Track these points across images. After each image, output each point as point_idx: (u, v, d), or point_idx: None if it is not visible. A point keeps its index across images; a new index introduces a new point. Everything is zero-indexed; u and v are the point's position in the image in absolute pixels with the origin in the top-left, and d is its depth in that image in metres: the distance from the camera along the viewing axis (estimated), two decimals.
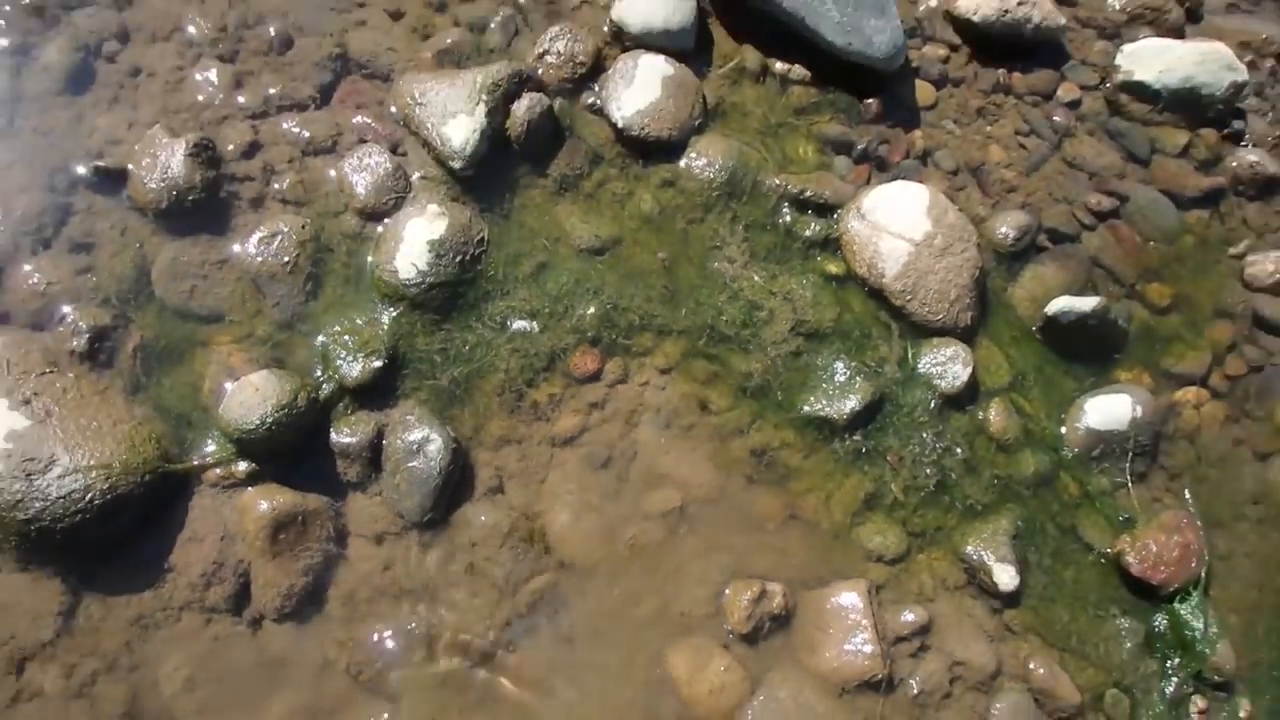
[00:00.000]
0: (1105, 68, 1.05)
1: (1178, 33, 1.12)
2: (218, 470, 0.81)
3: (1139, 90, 1.04)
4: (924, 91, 1.04)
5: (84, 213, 0.82)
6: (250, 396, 0.77)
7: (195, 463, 0.82)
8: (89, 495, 0.77)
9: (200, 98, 0.88)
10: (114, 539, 0.80)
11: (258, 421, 0.76)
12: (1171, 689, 0.88)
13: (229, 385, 0.80)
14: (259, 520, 0.80)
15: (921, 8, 1.02)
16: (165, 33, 0.88)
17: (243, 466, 0.81)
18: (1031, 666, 0.82)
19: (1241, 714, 0.88)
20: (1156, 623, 0.88)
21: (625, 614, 0.81)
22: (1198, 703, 0.89)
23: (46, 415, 0.79)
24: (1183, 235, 1.03)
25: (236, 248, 0.83)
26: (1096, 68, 1.06)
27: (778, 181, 0.94)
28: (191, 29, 0.90)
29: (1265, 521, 0.92)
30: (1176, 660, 0.88)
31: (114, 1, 0.90)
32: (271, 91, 0.90)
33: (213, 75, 0.89)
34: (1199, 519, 0.91)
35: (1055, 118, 1.04)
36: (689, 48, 0.95)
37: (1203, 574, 0.87)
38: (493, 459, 0.82)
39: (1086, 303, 0.91)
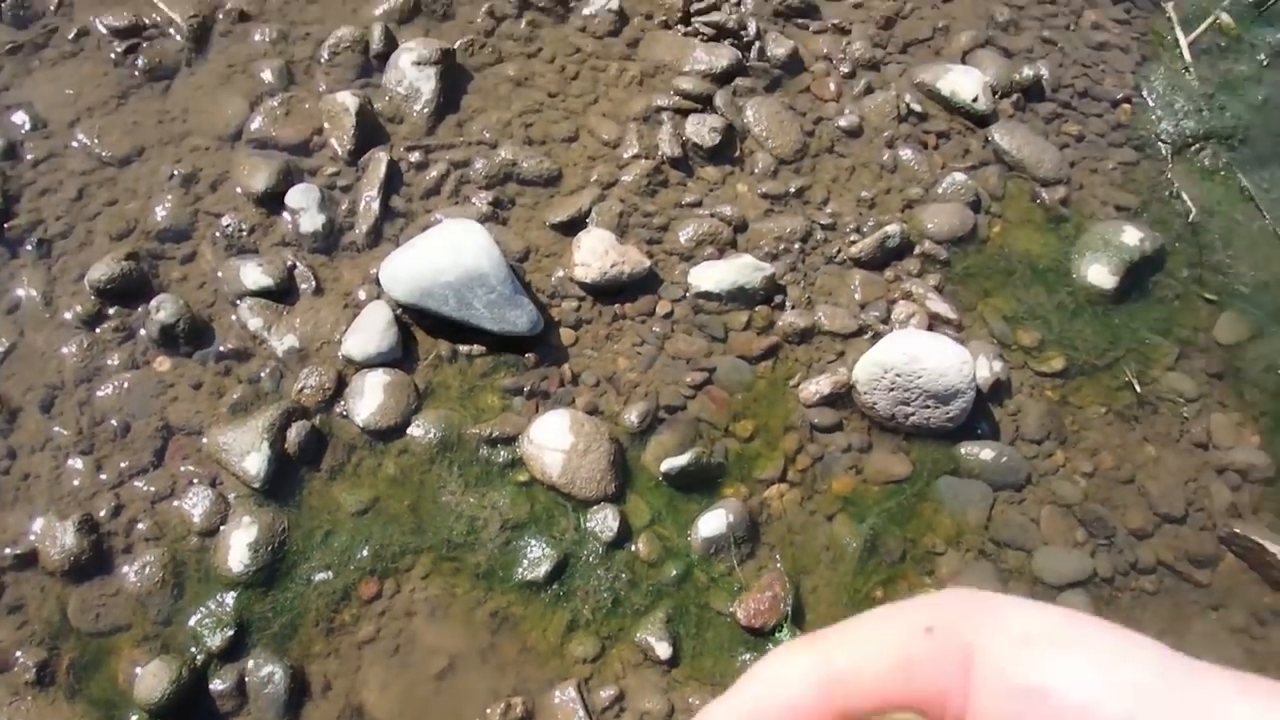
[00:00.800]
0: (685, 284, 1.57)
1: (732, 244, 1.65)
2: None
3: (708, 295, 1.55)
4: (566, 335, 1.52)
5: (11, 585, 1.24)
6: (151, 679, 1.18)
7: None
8: None
9: (75, 483, 1.31)
10: None
11: (160, 695, 1.17)
12: None
13: (137, 672, 1.21)
14: None
15: (554, 279, 1.53)
16: (40, 445, 1.32)
17: None
18: (693, 701, 1.28)
19: None
20: (768, 649, 1.36)
21: None
22: None
23: None
24: (756, 382, 1.54)
25: (122, 580, 1.25)
26: (680, 284, 1.58)
27: (475, 430, 1.41)
28: (58, 433, 1.34)
29: (835, 560, 1.41)
30: None
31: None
32: (123, 465, 1.33)
33: (79, 465, 1.33)
34: (787, 574, 1.39)
35: (656, 328, 1.54)
36: (399, 357, 1.43)
37: (788, 611, 1.35)
38: (321, 669, 1.25)
39: (684, 457, 1.40)
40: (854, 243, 1.61)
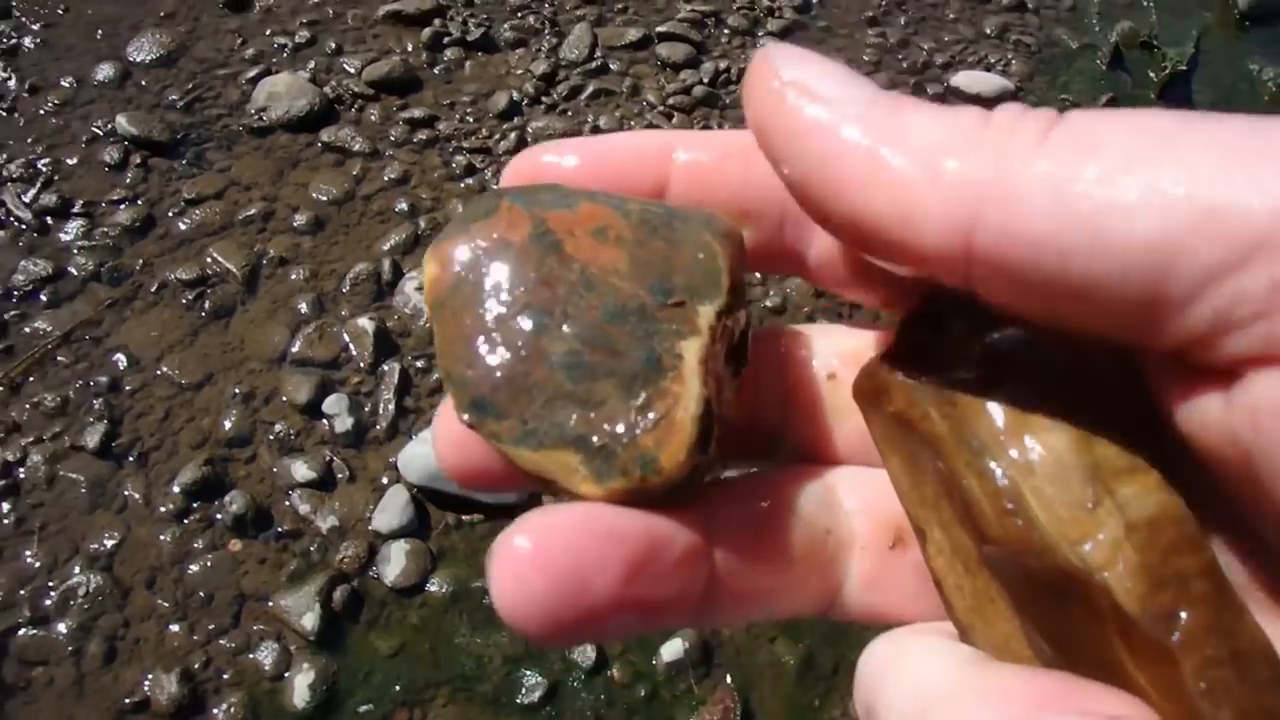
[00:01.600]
0: None
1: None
2: None
3: None
4: (548, 500, 1.95)
5: None
6: None
7: None
8: None
9: (175, 644, 1.72)
10: None
11: None
12: None
13: None
14: None
15: None
16: (147, 615, 1.74)
17: None
18: None
19: None
20: None
21: None
22: None
23: None
24: None
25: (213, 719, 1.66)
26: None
27: (479, 583, 1.82)
28: (160, 604, 1.75)
29: (777, 676, 1.81)
30: None
31: None
32: (210, 627, 1.73)
33: (176, 629, 1.74)
34: (736, 689, 1.77)
35: None
36: (417, 528, 1.85)
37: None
38: None
39: None
40: None
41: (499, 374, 0.26)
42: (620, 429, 0.26)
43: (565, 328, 0.27)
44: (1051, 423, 0.23)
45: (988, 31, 2.71)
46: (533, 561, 0.23)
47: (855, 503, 0.29)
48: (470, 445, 0.28)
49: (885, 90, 0.23)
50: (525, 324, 0.27)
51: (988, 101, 2.35)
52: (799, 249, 0.30)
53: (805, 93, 0.22)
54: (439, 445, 0.29)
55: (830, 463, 0.30)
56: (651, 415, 0.26)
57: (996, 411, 0.24)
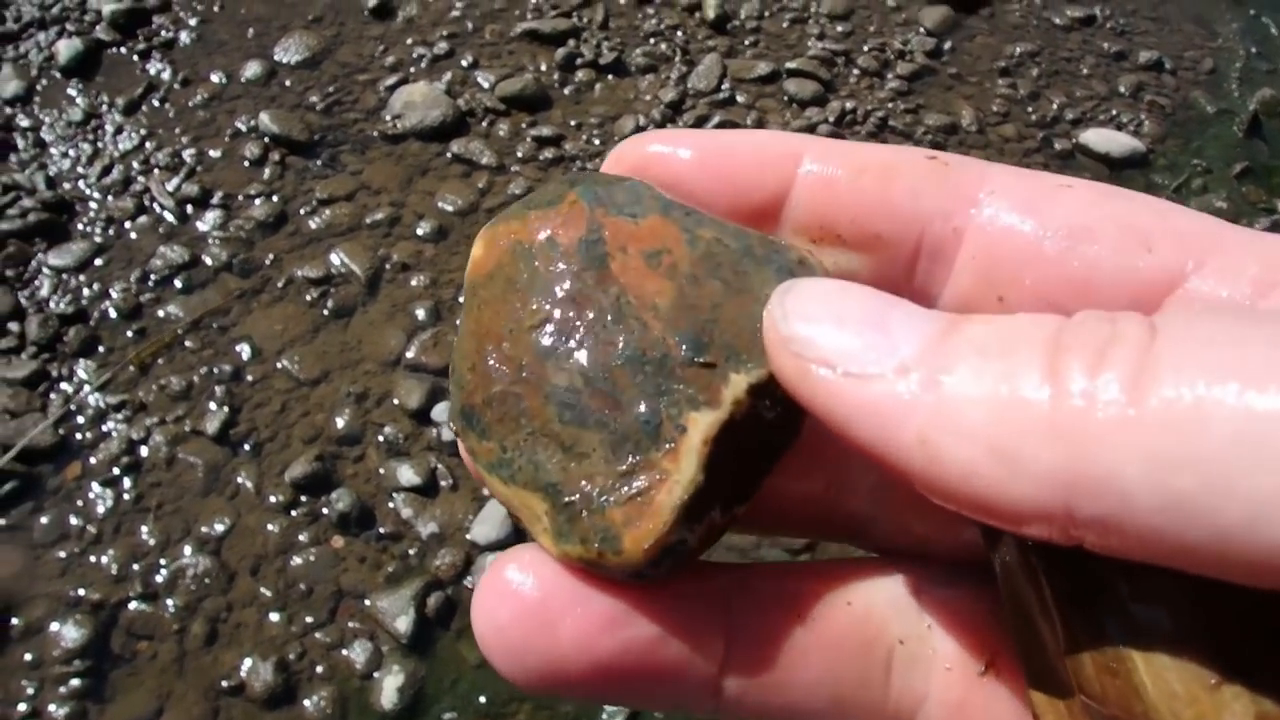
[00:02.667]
0: None
1: None
2: None
3: None
4: None
5: (224, 709, 1.72)
6: None
7: None
8: None
9: (273, 632, 1.80)
10: None
11: None
12: None
13: None
14: None
15: None
16: (250, 601, 1.82)
17: None
18: None
19: None
20: None
21: None
22: None
23: None
24: None
25: (303, 710, 1.72)
26: None
27: None
28: (262, 592, 1.83)
29: None
30: None
31: None
32: (308, 620, 1.81)
33: (276, 618, 1.82)
34: None
35: None
36: (513, 542, 1.90)
37: None
38: None
39: None
40: None
41: (495, 388, 0.25)
42: (594, 491, 0.23)
43: (576, 358, 0.24)
44: (1174, 582, 0.19)
45: (1121, 90, 2.69)
46: (514, 601, 0.23)
47: (944, 614, 0.25)
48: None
49: (908, 317, 0.21)
50: (540, 341, 0.25)
51: (1116, 161, 2.34)
52: (930, 291, 0.25)
53: (821, 358, 0.20)
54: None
55: (924, 560, 0.26)
56: (630, 487, 0.23)
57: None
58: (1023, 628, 0.22)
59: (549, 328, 0.25)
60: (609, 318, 0.24)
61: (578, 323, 0.24)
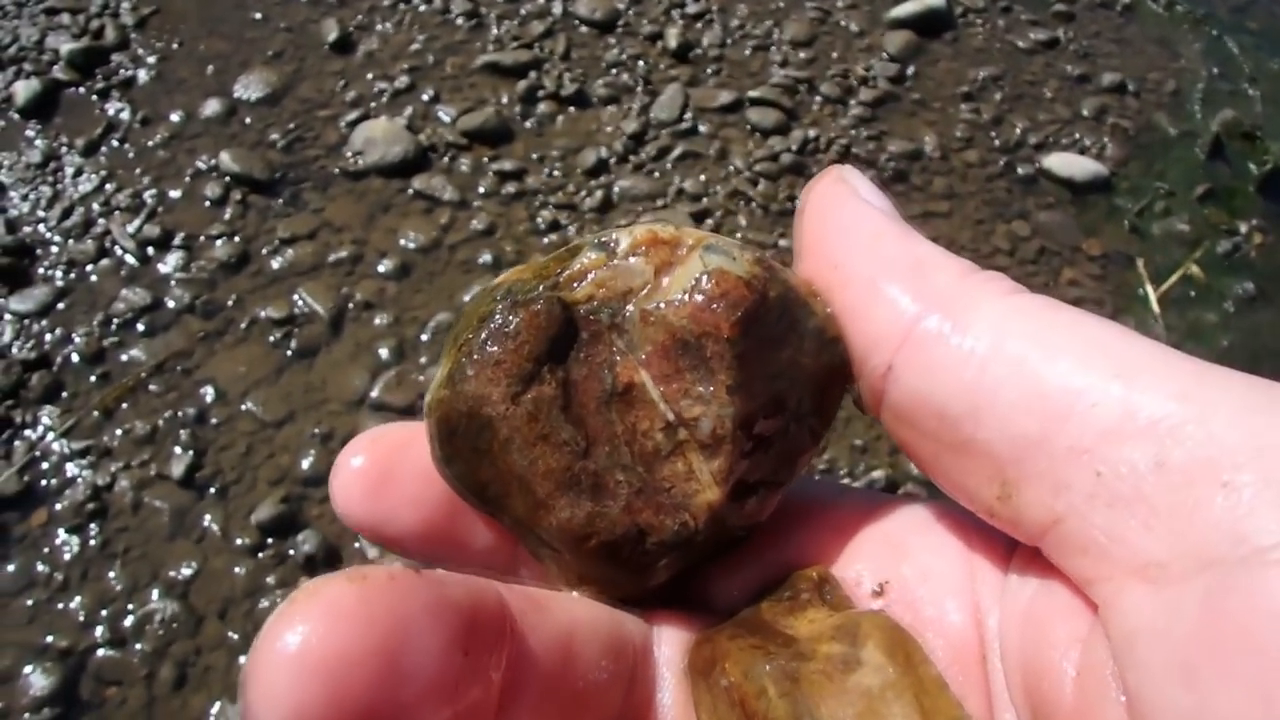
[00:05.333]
0: None
1: None
2: None
3: None
4: None
5: None
6: None
7: None
8: None
9: (242, 675, 1.90)
10: None
11: None
12: None
13: None
14: None
15: None
16: (218, 644, 1.91)
17: None
18: None
19: None
20: None
21: None
22: None
23: None
24: None
25: None
26: None
27: None
28: (230, 635, 1.93)
29: None
30: None
31: None
32: None
33: (244, 661, 1.92)
34: None
35: None
36: None
37: None
38: None
39: None
40: None
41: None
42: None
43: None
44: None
45: (1085, 113, 2.83)
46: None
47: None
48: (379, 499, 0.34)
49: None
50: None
51: (1079, 186, 2.47)
52: None
53: None
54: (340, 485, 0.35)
55: None
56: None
57: (843, 697, 0.25)
58: None
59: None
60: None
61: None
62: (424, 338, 2.19)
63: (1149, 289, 2.71)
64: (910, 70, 2.77)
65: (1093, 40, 2.99)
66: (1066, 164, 2.65)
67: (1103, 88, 2.90)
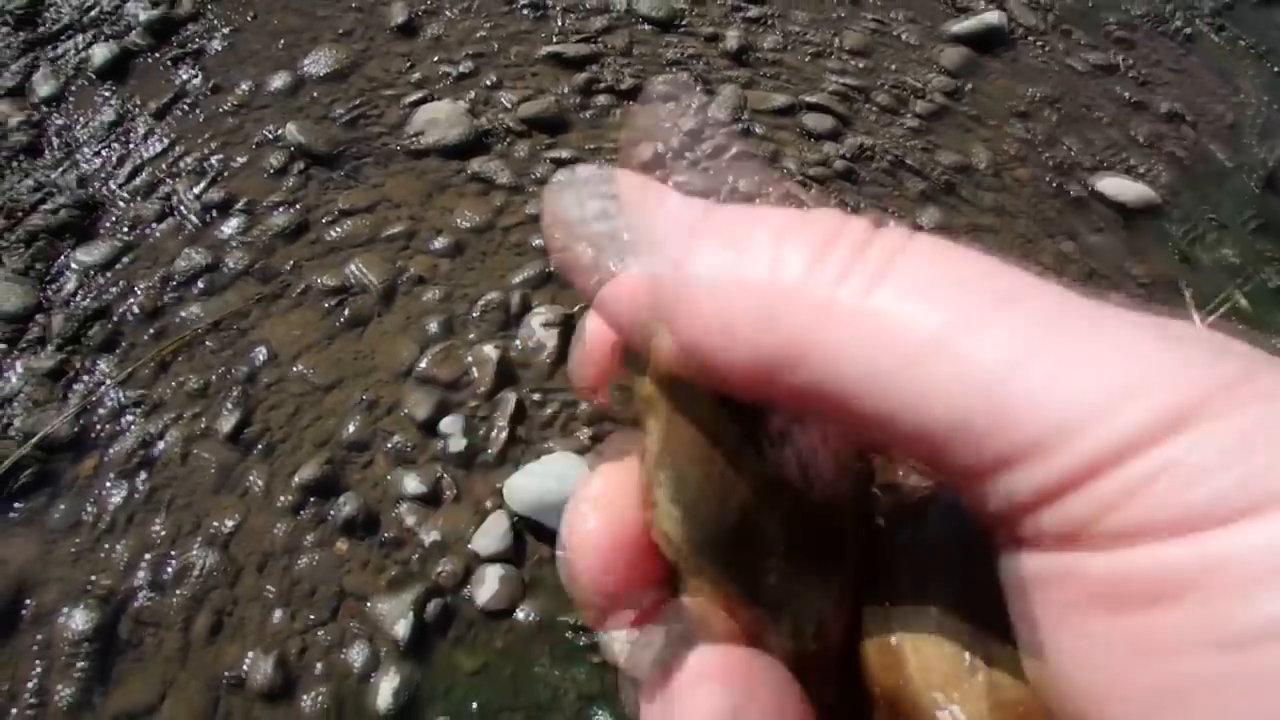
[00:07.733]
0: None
1: None
2: None
3: None
4: None
5: (224, 699, 1.87)
6: None
7: None
8: None
9: (276, 629, 1.96)
10: None
11: None
12: None
13: None
14: None
15: None
16: (255, 596, 1.97)
17: None
18: None
19: None
20: None
21: None
22: None
23: None
24: None
25: (300, 707, 1.86)
26: None
27: (564, 618, 2.01)
28: (267, 589, 1.99)
29: None
30: None
31: None
32: (310, 618, 1.95)
33: (279, 615, 1.97)
34: None
35: None
36: (513, 555, 2.05)
37: None
38: None
39: None
40: None
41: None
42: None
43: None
44: (943, 587, 0.23)
45: (1139, 139, 2.85)
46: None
47: None
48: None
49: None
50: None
51: (1131, 210, 2.50)
52: None
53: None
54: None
55: None
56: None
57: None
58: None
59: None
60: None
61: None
62: (473, 314, 2.24)
63: (1195, 317, 2.73)
64: (966, 86, 2.81)
65: (1151, 68, 3.02)
66: (1118, 187, 2.67)
67: (1159, 115, 2.92)
